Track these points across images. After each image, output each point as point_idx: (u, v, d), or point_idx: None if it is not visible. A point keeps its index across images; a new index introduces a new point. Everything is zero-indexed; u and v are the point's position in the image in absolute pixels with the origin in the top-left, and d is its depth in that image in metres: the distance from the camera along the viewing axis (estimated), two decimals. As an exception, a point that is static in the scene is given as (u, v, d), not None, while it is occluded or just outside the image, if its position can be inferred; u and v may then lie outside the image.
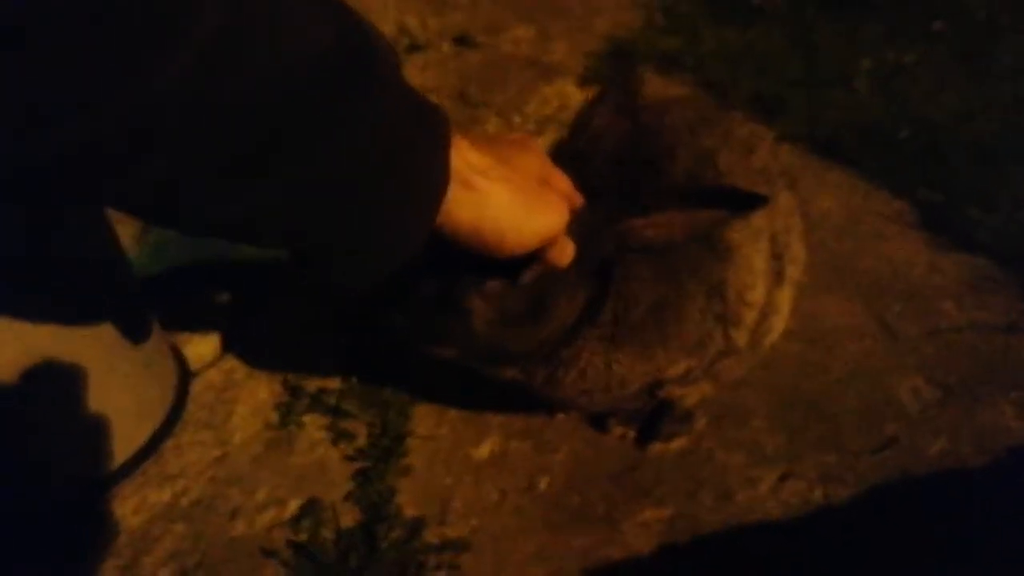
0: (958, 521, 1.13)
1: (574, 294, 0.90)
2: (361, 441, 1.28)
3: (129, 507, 1.18)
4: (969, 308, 1.49)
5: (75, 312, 1.08)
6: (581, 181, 0.83)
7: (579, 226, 0.81)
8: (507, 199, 0.58)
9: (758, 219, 1.04)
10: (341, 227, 0.50)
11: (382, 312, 0.87)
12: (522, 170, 0.63)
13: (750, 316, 1.05)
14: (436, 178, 0.52)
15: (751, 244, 1.03)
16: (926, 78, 2.18)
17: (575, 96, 2.17)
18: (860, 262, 1.62)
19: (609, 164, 0.98)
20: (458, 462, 1.26)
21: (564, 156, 0.97)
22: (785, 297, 1.10)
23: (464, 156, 0.56)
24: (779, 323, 1.13)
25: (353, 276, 0.56)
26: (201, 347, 1.47)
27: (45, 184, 0.39)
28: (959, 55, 2.30)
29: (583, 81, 2.25)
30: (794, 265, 1.09)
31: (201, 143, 0.39)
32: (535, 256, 0.71)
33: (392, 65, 0.50)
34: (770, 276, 1.06)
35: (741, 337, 1.05)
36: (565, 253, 0.73)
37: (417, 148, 0.50)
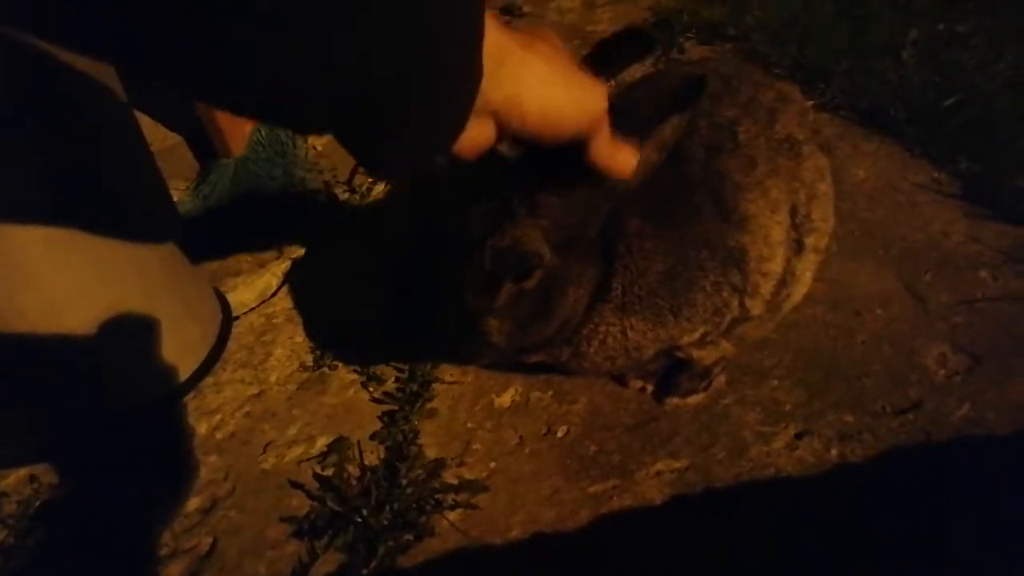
0: (978, 487, 1.12)
1: (580, 278, 0.95)
2: (390, 385, 1.34)
3: (166, 438, 1.26)
4: (1006, 278, 1.45)
5: (117, 253, 1.15)
6: None
7: (571, 210, 0.86)
8: (545, 72, 0.55)
9: (776, 190, 1.04)
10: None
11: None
12: (549, 52, 0.57)
13: (767, 286, 1.06)
14: (471, 51, 0.48)
15: (768, 215, 1.03)
16: (980, 47, 2.11)
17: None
18: (893, 230, 1.59)
19: None
20: (481, 408, 1.30)
21: None
22: (806, 265, 1.11)
23: (494, 35, 0.51)
24: (799, 291, 1.14)
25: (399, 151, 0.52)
26: (244, 294, 1.54)
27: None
28: (1017, 24, 2.21)
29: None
30: (817, 234, 1.09)
31: None
32: (584, 162, 0.65)
33: None
34: (789, 246, 1.07)
35: (757, 306, 1.08)
36: (620, 159, 0.66)
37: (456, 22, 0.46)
